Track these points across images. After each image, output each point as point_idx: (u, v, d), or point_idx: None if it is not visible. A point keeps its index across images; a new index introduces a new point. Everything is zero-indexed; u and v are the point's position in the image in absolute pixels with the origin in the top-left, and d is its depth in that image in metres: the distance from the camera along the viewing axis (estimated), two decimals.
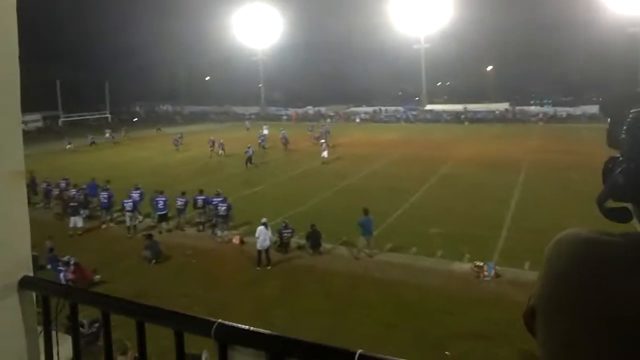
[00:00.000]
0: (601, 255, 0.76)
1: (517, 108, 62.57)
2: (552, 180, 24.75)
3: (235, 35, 75.83)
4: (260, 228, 15.55)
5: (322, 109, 71.33)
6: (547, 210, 19.01)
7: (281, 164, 32.95)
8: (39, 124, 62.62)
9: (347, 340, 10.57)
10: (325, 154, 32.38)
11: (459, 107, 63.99)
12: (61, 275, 14.27)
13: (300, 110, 72.16)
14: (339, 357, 1.07)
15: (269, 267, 15.25)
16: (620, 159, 0.85)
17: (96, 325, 9.42)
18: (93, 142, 44.72)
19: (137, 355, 1.52)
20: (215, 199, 18.72)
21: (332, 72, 76.81)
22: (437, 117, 63.01)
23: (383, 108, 69.36)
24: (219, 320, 1.21)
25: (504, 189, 23.52)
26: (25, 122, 57.96)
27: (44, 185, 23.54)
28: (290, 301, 13.04)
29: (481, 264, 14.18)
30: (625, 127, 0.84)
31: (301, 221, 17.66)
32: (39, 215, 21.61)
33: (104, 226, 20.01)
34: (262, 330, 1.15)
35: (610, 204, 0.85)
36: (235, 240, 17.40)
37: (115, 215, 20.43)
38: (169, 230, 18.97)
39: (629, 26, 52.50)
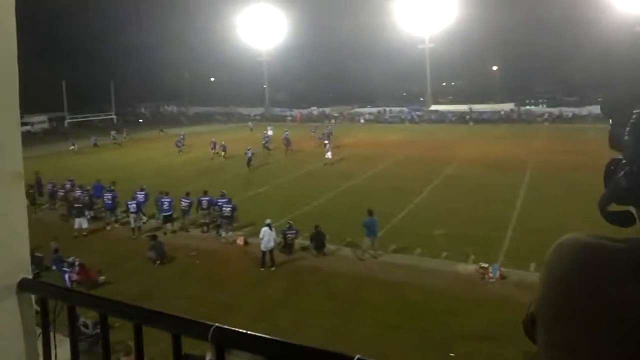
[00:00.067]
0: (600, 260, 0.76)
1: (523, 108, 62.41)
2: (557, 180, 24.64)
3: (239, 36, 76.09)
4: (265, 229, 15.53)
5: (327, 110, 71.45)
6: (552, 211, 18.91)
7: (285, 164, 32.95)
8: (45, 125, 63.03)
9: (351, 342, 10.54)
10: (329, 154, 32.36)
11: (463, 107, 63.89)
12: (66, 276, 14.33)
13: (304, 111, 72.28)
14: None
15: (273, 268, 15.24)
16: (623, 161, 0.83)
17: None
18: (96, 144, 44.89)
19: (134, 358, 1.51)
20: (220, 200, 18.73)
21: (336, 73, 76.91)
22: (441, 117, 62.91)
23: (387, 109, 69.37)
24: (216, 324, 1.19)
25: (509, 189, 23.42)
26: (31, 124, 58.66)
27: (49, 186, 23.64)
28: (294, 302, 13.02)
29: (486, 265, 14.11)
30: (628, 129, 0.82)
31: (305, 222, 17.64)
32: (44, 216, 21.75)
33: (108, 227, 20.05)
34: (259, 334, 1.14)
35: (613, 207, 0.82)
36: (240, 241, 17.40)
37: (119, 216, 20.50)
38: (174, 232, 19.00)
39: (636, 25, 52.24)
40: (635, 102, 0.83)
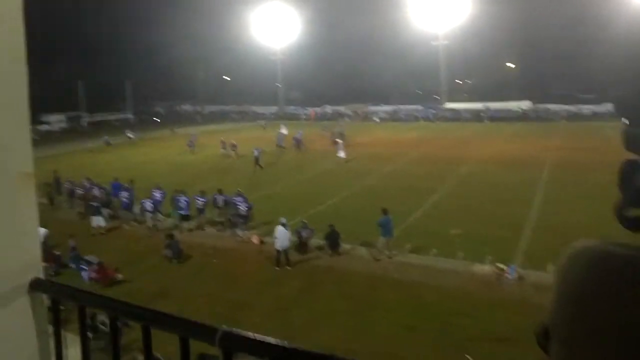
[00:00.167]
0: (612, 265, 0.74)
1: (540, 106, 61.47)
2: (575, 179, 24.24)
3: (253, 34, 76.44)
4: (279, 228, 15.56)
5: (341, 108, 71.26)
6: (570, 210, 18.62)
7: (299, 163, 32.96)
8: (64, 125, 64.07)
9: (366, 342, 10.51)
10: (342, 154, 32.27)
11: (479, 105, 63.15)
12: (84, 274, 14.53)
13: (318, 110, 72.23)
14: None
15: (288, 267, 15.26)
16: None
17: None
18: (109, 143, 45.52)
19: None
20: (235, 199, 18.81)
21: (350, 71, 76.57)
22: (456, 115, 62.33)
23: (402, 107, 68.92)
24: (224, 328, 1.18)
25: (526, 188, 23.12)
26: (50, 123, 59.73)
27: (67, 185, 24.00)
28: (309, 301, 13.02)
29: (503, 265, 13.94)
30: None
31: (320, 221, 17.63)
32: (62, 214, 22.09)
33: (125, 226, 20.29)
34: (267, 339, 1.12)
35: (631, 212, 0.78)
36: (255, 239, 17.46)
37: (136, 214, 20.72)
38: (190, 230, 19.14)
39: None
40: None
